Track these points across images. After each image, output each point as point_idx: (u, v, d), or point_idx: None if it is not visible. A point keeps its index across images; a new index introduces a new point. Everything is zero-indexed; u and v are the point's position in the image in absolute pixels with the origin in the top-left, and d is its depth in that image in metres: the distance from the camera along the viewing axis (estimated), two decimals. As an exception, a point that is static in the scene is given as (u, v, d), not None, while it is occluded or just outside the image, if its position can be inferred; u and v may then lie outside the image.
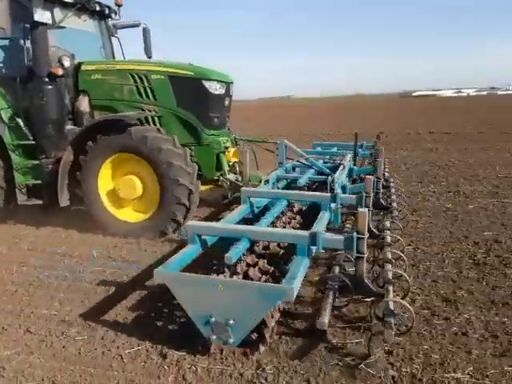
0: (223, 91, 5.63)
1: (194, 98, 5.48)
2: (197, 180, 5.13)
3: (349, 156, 6.03)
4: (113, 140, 5.03)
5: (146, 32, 6.86)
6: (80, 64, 5.75)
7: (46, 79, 5.34)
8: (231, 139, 6.02)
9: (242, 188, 4.28)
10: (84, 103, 5.81)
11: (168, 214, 5.01)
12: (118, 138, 5.00)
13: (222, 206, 6.58)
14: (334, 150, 7.28)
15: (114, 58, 6.85)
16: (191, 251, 3.09)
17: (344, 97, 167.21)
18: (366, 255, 2.80)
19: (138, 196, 5.21)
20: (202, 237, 3.20)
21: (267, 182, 4.96)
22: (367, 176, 3.89)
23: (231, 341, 2.67)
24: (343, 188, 4.79)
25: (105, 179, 5.28)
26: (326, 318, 2.54)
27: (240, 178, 5.85)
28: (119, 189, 5.20)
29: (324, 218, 3.80)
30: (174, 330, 3.09)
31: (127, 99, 5.68)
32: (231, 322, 2.62)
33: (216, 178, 5.63)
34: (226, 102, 5.82)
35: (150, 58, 6.88)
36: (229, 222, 3.63)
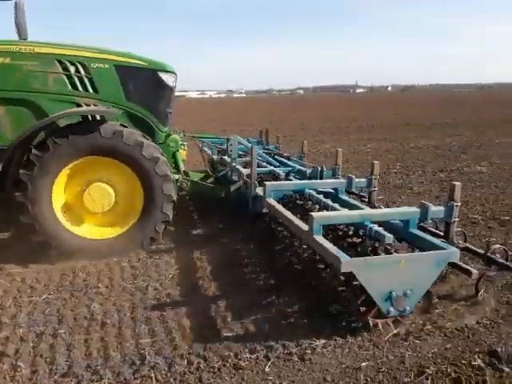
0: (176, 84, 5.25)
1: (148, 92, 4.91)
2: None
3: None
4: (88, 139, 4.11)
5: (18, 7, 5.53)
6: None
7: None
8: (181, 137, 5.64)
9: (266, 183, 4.29)
10: None
11: (149, 230, 4.46)
12: (95, 137, 4.11)
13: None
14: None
15: (-17, 36, 5.28)
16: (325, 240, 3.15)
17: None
18: (457, 220, 3.53)
19: (108, 208, 4.41)
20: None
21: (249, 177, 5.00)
22: (374, 162, 4.57)
23: (408, 309, 2.97)
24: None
25: (61, 186, 4.27)
26: (474, 269, 3.15)
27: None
28: (85, 199, 4.27)
29: (349, 199, 4.35)
30: None
31: (53, 91, 4.61)
32: (408, 292, 2.93)
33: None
34: (175, 97, 5.43)
35: (24, 39, 5.60)
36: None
